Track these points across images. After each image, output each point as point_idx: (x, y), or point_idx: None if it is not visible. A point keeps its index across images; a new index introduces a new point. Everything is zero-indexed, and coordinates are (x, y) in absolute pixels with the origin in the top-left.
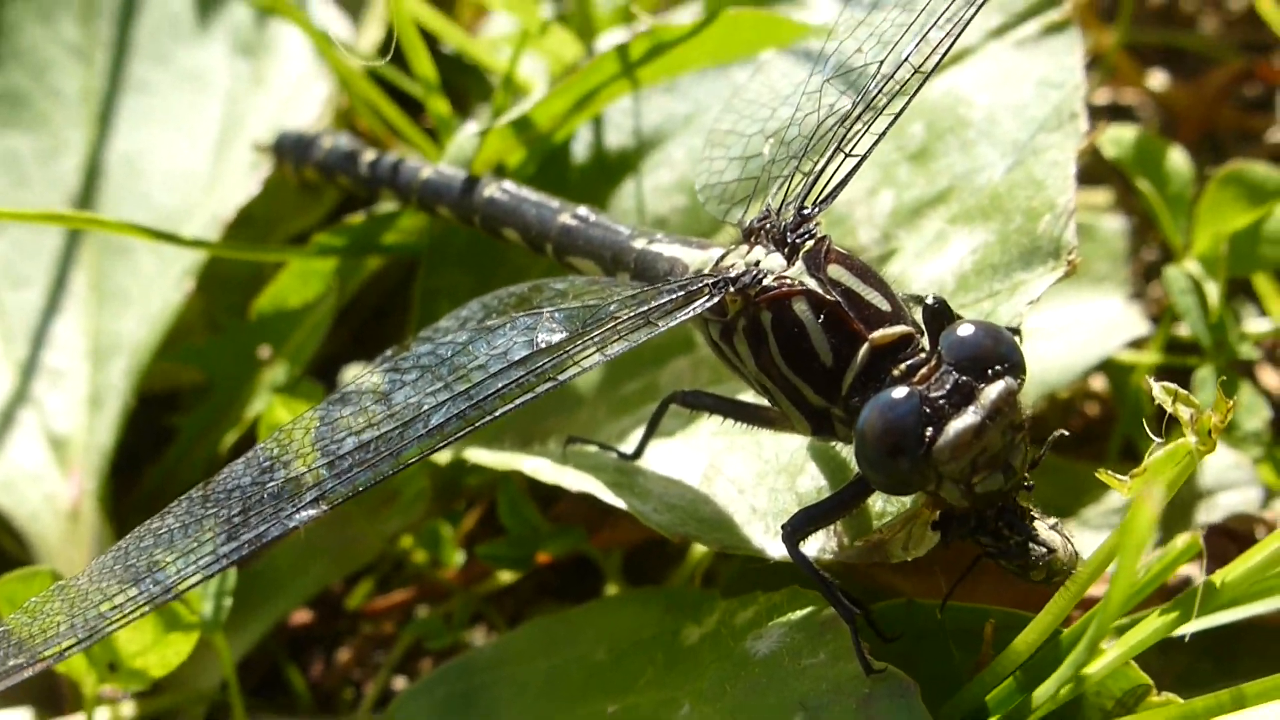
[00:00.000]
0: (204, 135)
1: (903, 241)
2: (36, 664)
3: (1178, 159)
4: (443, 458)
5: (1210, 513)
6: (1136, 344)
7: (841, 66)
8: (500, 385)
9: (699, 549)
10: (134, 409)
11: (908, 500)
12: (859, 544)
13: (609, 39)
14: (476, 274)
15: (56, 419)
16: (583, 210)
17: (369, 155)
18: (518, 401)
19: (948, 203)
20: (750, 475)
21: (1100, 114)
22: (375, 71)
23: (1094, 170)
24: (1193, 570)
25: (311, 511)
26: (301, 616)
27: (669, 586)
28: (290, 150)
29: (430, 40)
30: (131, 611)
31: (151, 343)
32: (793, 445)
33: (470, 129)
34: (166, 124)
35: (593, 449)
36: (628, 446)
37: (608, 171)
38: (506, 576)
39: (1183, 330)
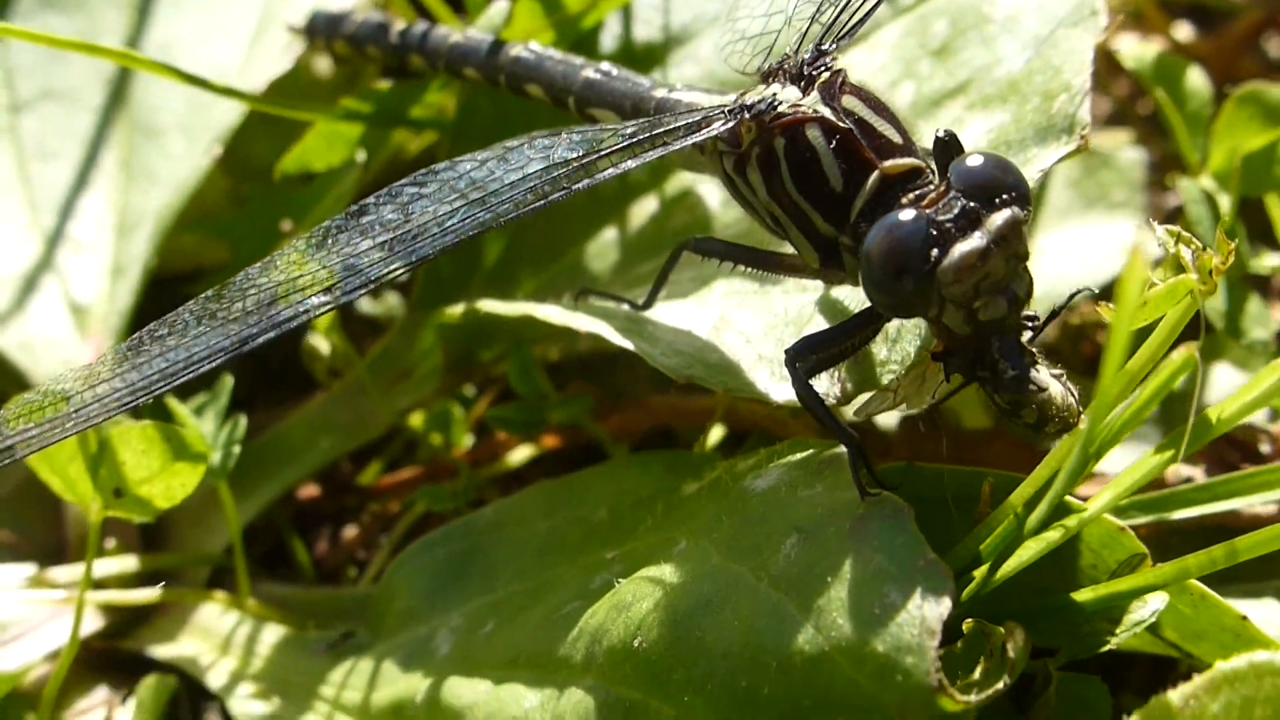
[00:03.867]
0: (240, 25)
1: (921, 128)
2: (33, 442)
3: (1196, 77)
4: (455, 310)
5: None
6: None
7: None
8: (514, 192)
9: (708, 438)
10: (156, 283)
11: (910, 349)
12: (874, 393)
13: None
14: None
15: (79, 287)
16: (605, 65)
17: (399, 25)
18: (531, 206)
19: (966, 93)
20: (759, 326)
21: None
22: None
23: (1118, 115)
24: (1196, 473)
25: (324, 299)
26: (309, 490)
27: (672, 451)
28: (322, 27)
29: None
30: (140, 394)
31: (176, 210)
32: (802, 300)
33: (500, 3)
34: (203, 14)
35: (605, 302)
36: (640, 299)
37: (634, 63)
38: (515, 459)
39: None
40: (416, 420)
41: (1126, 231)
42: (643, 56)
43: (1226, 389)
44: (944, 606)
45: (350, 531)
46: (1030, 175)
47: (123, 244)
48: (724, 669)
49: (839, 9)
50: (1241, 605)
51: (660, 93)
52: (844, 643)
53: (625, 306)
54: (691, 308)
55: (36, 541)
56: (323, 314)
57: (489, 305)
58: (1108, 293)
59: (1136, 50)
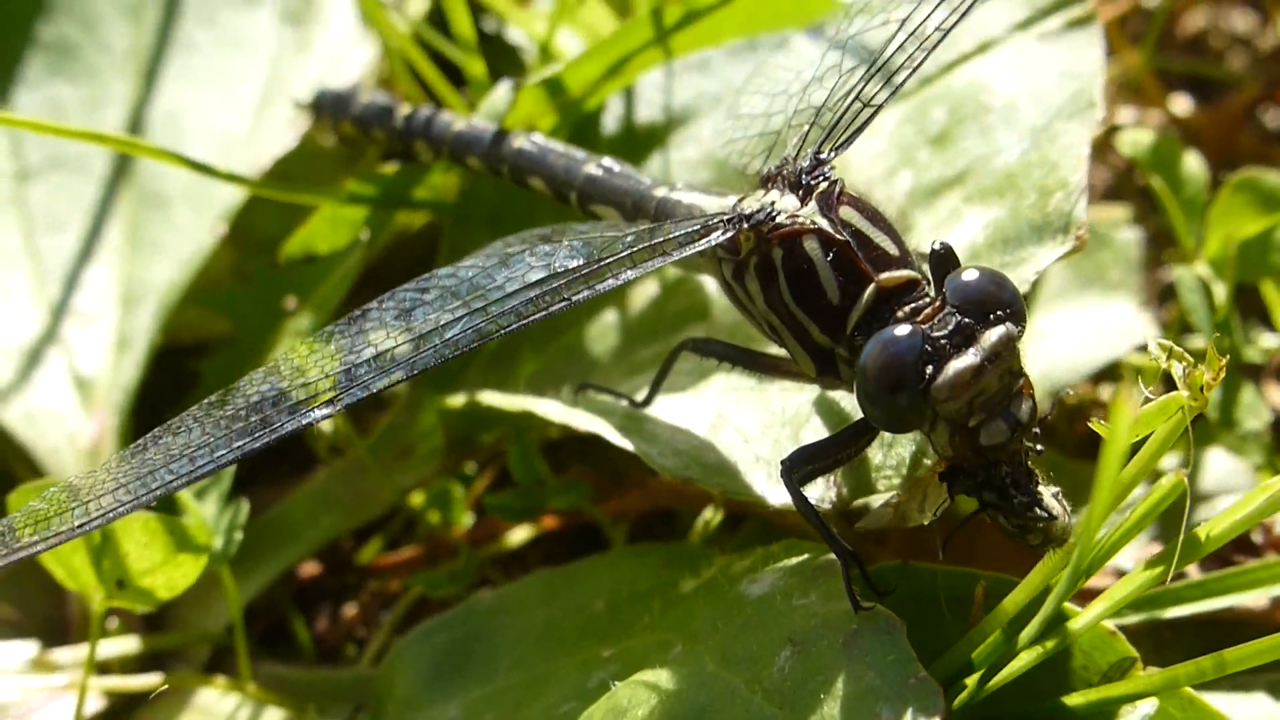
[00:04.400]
0: (246, 96)
1: (918, 219)
2: (41, 544)
3: (1193, 163)
4: (456, 401)
5: (1210, 514)
6: (1146, 349)
7: (862, 39)
8: (515, 303)
9: (704, 519)
10: (160, 356)
11: (905, 455)
12: (879, 508)
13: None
14: (502, 232)
15: (83, 360)
16: (607, 160)
17: (404, 109)
18: (531, 318)
19: (964, 183)
20: (756, 426)
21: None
22: (417, 39)
23: (1115, 188)
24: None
25: (326, 410)
26: (310, 569)
27: (669, 543)
28: (329, 106)
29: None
30: (143, 497)
31: (181, 285)
32: (799, 399)
33: (504, 87)
34: (210, 83)
35: (604, 397)
36: (639, 396)
37: (636, 144)
38: (514, 539)
39: (1192, 343)
40: (417, 498)
41: (1124, 313)
42: (645, 137)
43: (1222, 474)
44: None
45: (350, 610)
46: (1027, 276)
47: (128, 317)
48: None
49: (837, 116)
50: (1232, 701)
51: (661, 192)
52: None
53: (624, 403)
54: (689, 403)
55: (38, 618)
56: (325, 420)
57: (489, 398)
58: (1105, 374)
59: (1133, 135)
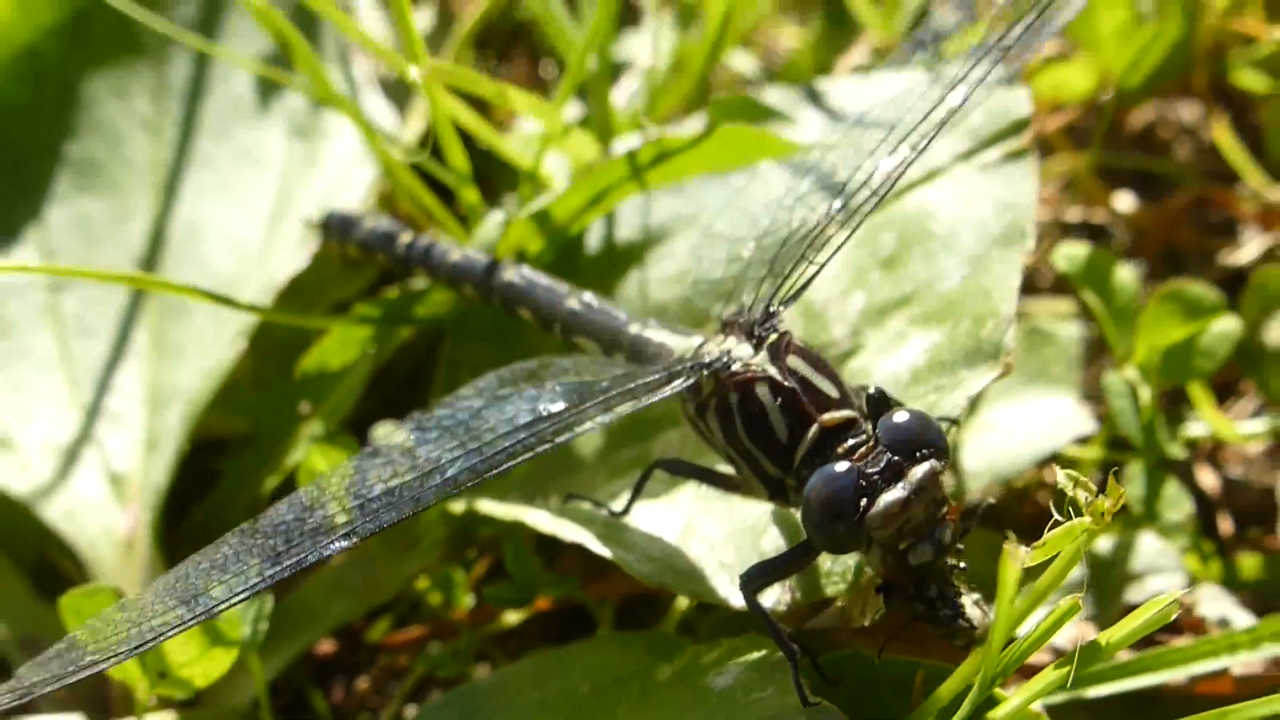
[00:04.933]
0: (259, 208)
1: (869, 338)
2: (103, 663)
3: (1124, 275)
4: (457, 508)
5: (1139, 593)
6: (1084, 440)
7: (822, 179)
8: (507, 445)
9: (682, 602)
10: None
11: (850, 563)
12: (828, 609)
13: (623, 144)
14: (496, 346)
15: (116, 458)
16: (587, 296)
17: (406, 237)
18: (520, 459)
19: (910, 305)
20: (721, 534)
21: (1073, 230)
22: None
23: (1061, 281)
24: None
25: (343, 543)
26: (326, 647)
27: (649, 631)
28: (336, 228)
29: (465, 135)
30: (189, 621)
31: (205, 395)
32: (758, 510)
33: (496, 219)
34: (225, 196)
35: (587, 505)
36: (618, 505)
37: (617, 261)
38: (511, 619)
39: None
40: (422, 583)
41: (1064, 406)
42: (624, 255)
43: (1152, 554)
44: None
45: (363, 683)
46: (959, 401)
47: (155, 418)
48: None
49: (784, 274)
50: None
51: (634, 329)
52: None
53: (605, 512)
54: (663, 510)
55: (83, 693)
56: (343, 550)
57: (486, 506)
58: (1048, 461)
59: (1068, 250)
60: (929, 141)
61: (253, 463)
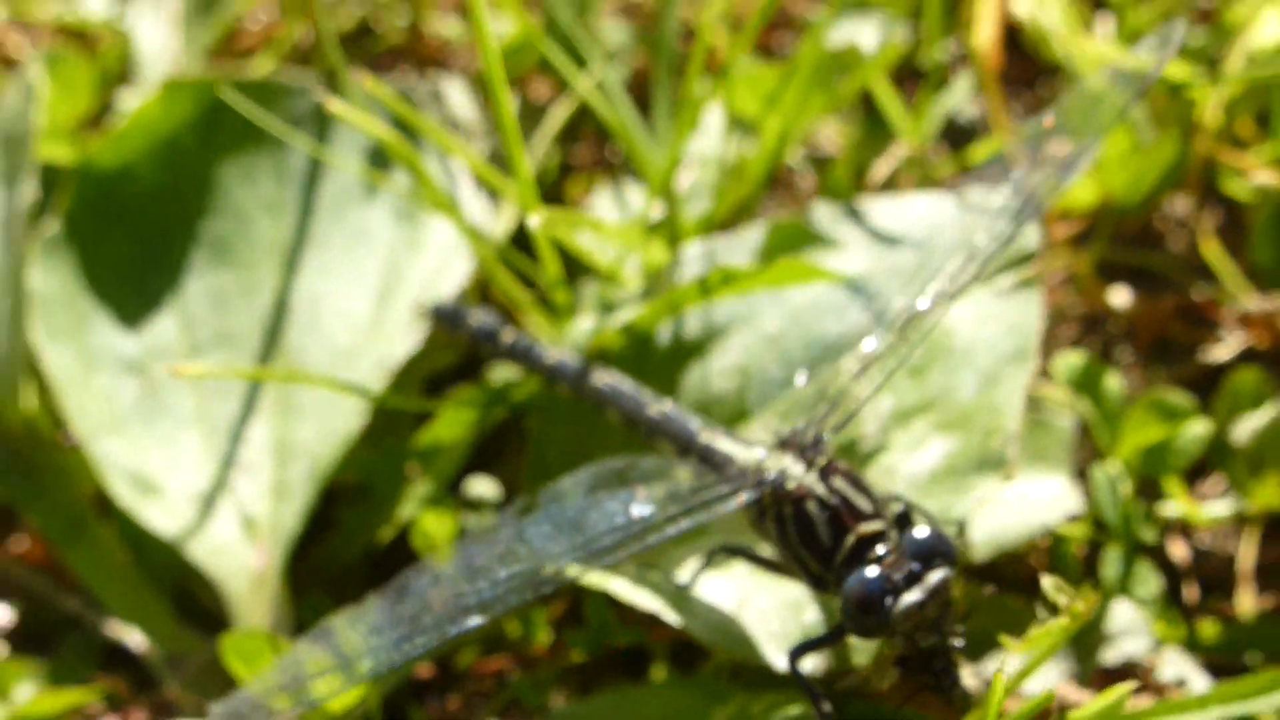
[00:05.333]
0: (370, 285)
1: (895, 438)
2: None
3: (1112, 383)
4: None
5: (1112, 653)
6: (1074, 518)
7: (870, 303)
8: (606, 542)
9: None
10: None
11: (873, 643)
12: (850, 675)
13: (691, 254)
14: (578, 425)
15: (248, 504)
16: (667, 405)
17: (507, 335)
18: (618, 555)
19: (932, 411)
20: (770, 606)
21: (1075, 319)
22: (505, 261)
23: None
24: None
25: (479, 619)
26: (424, 671)
27: (702, 676)
28: (444, 319)
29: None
30: (350, 684)
31: (330, 454)
32: (801, 589)
33: (586, 325)
34: (340, 273)
35: (658, 576)
36: (684, 575)
37: (682, 354)
38: (581, 655)
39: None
40: (508, 621)
41: (1059, 486)
42: (687, 349)
43: (1124, 621)
44: None
45: (453, 702)
46: (970, 503)
47: (282, 470)
48: None
49: (834, 403)
50: None
51: (704, 438)
52: None
53: (673, 584)
54: (721, 583)
55: None
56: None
57: (572, 570)
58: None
59: (1065, 360)
60: (964, 286)
61: (367, 514)
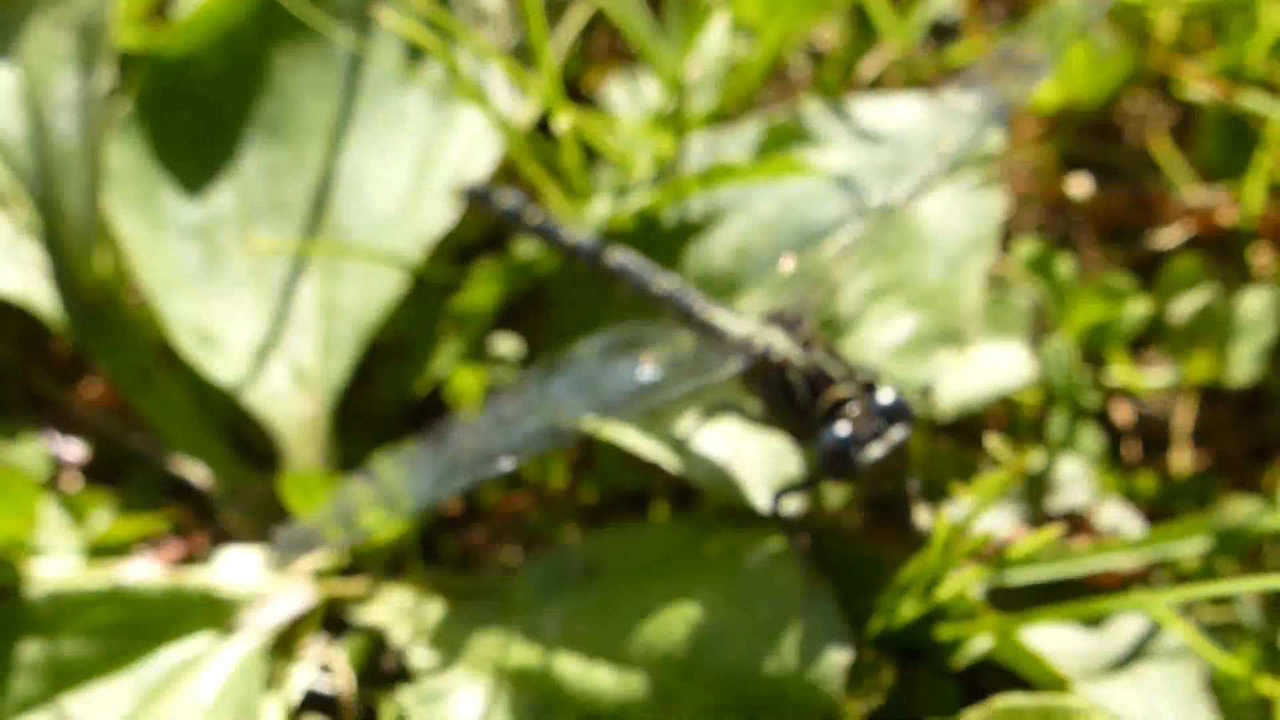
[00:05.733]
0: (408, 161)
1: (870, 312)
2: (333, 544)
3: (1064, 267)
4: None
5: (1060, 503)
6: (1029, 383)
7: (852, 196)
8: (616, 401)
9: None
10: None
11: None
12: (824, 514)
13: (697, 145)
14: (592, 293)
15: (299, 356)
16: (673, 281)
17: (532, 216)
18: (630, 413)
19: (902, 290)
20: (759, 456)
21: (1040, 206)
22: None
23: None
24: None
25: (507, 463)
26: (453, 508)
27: (697, 515)
28: (476, 199)
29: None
30: (387, 518)
31: (373, 314)
32: (784, 442)
33: (602, 208)
34: (380, 150)
35: (662, 427)
36: (685, 427)
37: (686, 233)
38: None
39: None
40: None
41: (1018, 354)
42: (690, 229)
43: (1069, 474)
44: (847, 656)
45: (478, 532)
46: (930, 374)
47: (330, 326)
48: (725, 676)
49: (815, 284)
50: (1049, 634)
51: (704, 312)
52: (793, 671)
53: (675, 435)
54: (716, 435)
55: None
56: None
57: (588, 422)
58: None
59: (1023, 247)
60: (933, 182)
61: (405, 369)
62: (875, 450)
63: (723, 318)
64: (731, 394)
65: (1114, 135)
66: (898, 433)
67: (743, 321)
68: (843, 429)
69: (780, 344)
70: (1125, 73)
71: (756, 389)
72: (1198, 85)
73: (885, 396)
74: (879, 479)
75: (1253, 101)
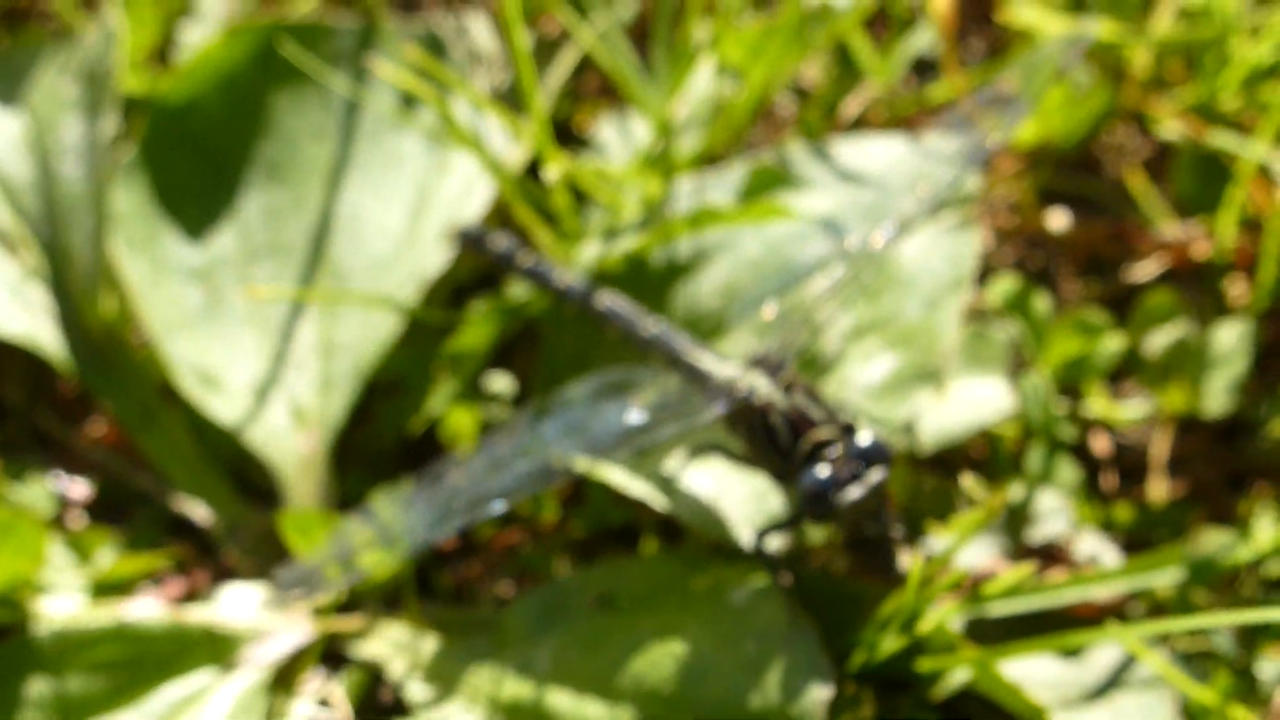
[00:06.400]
0: (404, 203)
1: (851, 350)
2: (333, 585)
3: (1040, 304)
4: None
5: (1037, 535)
6: (1007, 417)
7: (834, 237)
8: (608, 444)
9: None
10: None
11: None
12: (806, 554)
13: (684, 187)
14: (582, 335)
15: (298, 395)
16: (659, 326)
17: (525, 259)
18: (615, 454)
19: (883, 330)
20: (742, 495)
21: (1019, 241)
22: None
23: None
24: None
25: (500, 505)
26: (448, 543)
27: (684, 551)
28: (469, 241)
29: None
30: (385, 560)
31: (371, 352)
32: (768, 483)
33: (592, 251)
34: (377, 192)
35: (649, 468)
36: (671, 467)
37: (674, 275)
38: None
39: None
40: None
41: (997, 389)
42: (677, 270)
43: (1047, 506)
44: (829, 691)
45: (471, 567)
46: (908, 414)
47: (328, 365)
48: (711, 711)
49: (798, 327)
50: (1026, 664)
51: (690, 355)
52: (776, 706)
53: (661, 475)
54: (702, 475)
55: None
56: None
57: (579, 463)
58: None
59: (1000, 285)
60: (913, 223)
61: (401, 407)
62: (854, 492)
63: (708, 361)
64: (716, 435)
65: (1091, 170)
66: (876, 474)
67: (727, 365)
68: (823, 471)
69: (763, 388)
70: (1101, 109)
71: (740, 431)
72: (1171, 123)
73: (864, 439)
74: (859, 519)
75: (1223, 140)
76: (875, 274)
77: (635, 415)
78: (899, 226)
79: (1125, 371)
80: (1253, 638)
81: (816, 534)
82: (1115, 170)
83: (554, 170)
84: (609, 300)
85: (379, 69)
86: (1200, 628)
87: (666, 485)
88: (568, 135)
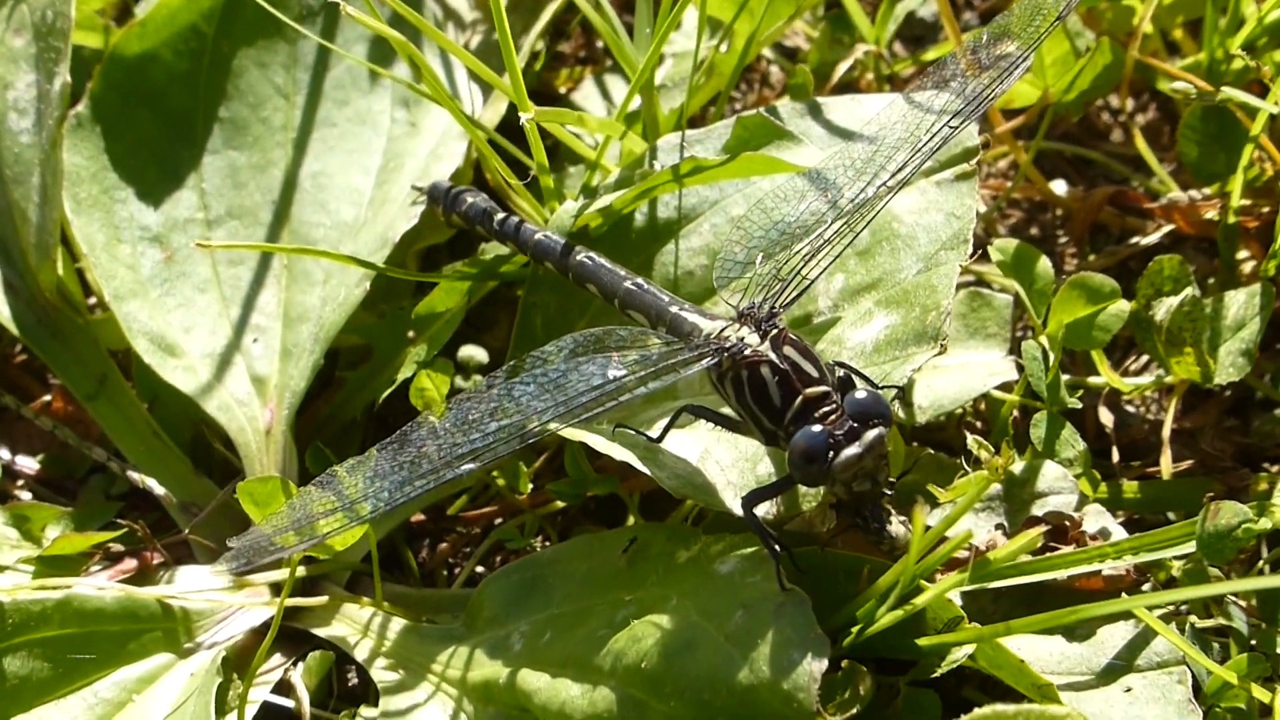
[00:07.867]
0: (372, 165)
1: (845, 312)
2: (285, 548)
3: (1043, 265)
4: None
5: (1042, 508)
6: (1008, 385)
7: (822, 192)
8: (586, 400)
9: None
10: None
11: (816, 492)
12: (796, 519)
13: (666, 144)
14: (562, 296)
15: (259, 363)
16: (640, 280)
17: (499, 215)
18: (596, 412)
19: (877, 289)
20: (730, 459)
21: (1017, 207)
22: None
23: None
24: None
25: (471, 466)
26: (418, 517)
27: (670, 523)
28: (440, 199)
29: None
30: (354, 522)
31: (334, 319)
32: (756, 445)
33: (570, 208)
34: (344, 153)
35: (631, 432)
36: (654, 432)
37: (656, 234)
38: (562, 503)
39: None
40: (495, 472)
41: (996, 357)
42: (662, 230)
43: (1052, 479)
44: (823, 664)
45: (444, 546)
46: (908, 370)
47: (290, 333)
48: (695, 686)
49: (787, 280)
50: (1031, 642)
51: (674, 309)
52: (767, 680)
53: (644, 439)
54: (686, 439)
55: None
56: (468, 473)
57: (555, 426)
58: (980, 402)
59: (1000, 244)
60: (908, 175)
61: (368, 374)
62: (850, 450)
63: (692, 316)
64: (702, 395)
65: (1094, 134)
66: (873, 432)
67: (713, 319)
68: (816, 428)
69: (752, 340)
70: (1104, 70)
71: (727, 388)
72: (1178, 83)
73: (860, 395)
74: (853, 481)
75: (1235, 95)
76: (868, 231)
77: (615, 370)
78: (893, 181)
79: (1130, 345)
80: (1272, 612)
81: (808, 500)
82: (1119, 136)
83: (526, 117)
84: (586, 256)
85: (350, 11)
86: (1215, 599)
87: (649, 451)
88: (549, 100)
